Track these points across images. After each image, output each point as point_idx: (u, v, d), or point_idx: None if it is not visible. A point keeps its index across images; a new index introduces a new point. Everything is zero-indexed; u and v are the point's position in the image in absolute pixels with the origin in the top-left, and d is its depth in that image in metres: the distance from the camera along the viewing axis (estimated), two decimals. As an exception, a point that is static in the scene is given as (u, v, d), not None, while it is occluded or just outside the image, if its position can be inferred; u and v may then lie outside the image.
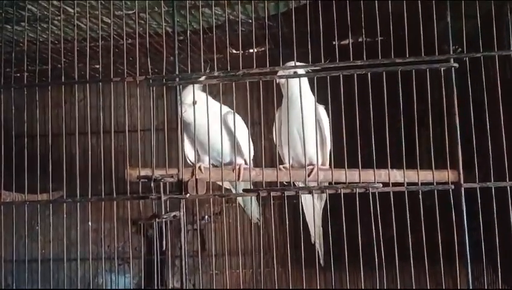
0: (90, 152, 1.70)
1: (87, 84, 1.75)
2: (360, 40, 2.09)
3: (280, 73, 1.74)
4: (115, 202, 1.65)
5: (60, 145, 1.74)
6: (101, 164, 1.72)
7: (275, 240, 1.66)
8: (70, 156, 1.78)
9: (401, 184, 1.64)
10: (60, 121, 1.76)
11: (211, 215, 2.95)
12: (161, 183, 1.58)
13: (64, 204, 1.69)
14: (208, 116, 1.71)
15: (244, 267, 2.79)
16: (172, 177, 1.61)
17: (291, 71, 1.74)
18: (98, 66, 2.08)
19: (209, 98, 1.89)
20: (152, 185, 1.58)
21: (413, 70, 1.60)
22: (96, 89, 1.75)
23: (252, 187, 1.79)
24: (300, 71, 1.75)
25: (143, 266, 2.66)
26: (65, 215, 1.66)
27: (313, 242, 2.18)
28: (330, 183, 1.73)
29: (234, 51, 2.47)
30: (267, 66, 1.66)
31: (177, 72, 1.71)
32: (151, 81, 1.71)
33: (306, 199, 2.13)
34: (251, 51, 2.27)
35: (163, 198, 1.58)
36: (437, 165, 1.66)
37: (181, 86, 1.73)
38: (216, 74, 1.69)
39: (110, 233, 2.01)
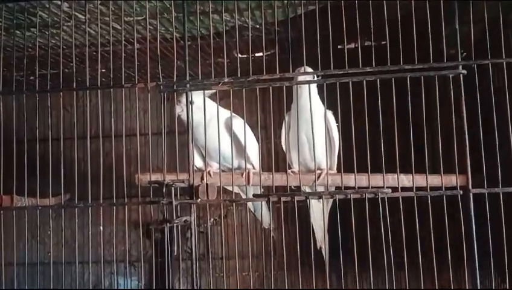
0: (101, 156, 1.72)
1: (99, 90, 1.77)
2: (366, 43, 2.13)
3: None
4: (126, 207, 1.67)
5: (66, 150, 1.76)
6: (111, 168, 1.74)
7: (284, 243, 1.66)
8: (75, 160, 1.79)
9: (409, 189, 1.65)
10: (67, 125, 1.79)
11: (217, 218, 2.98)
12: (172, 188, 1.59)
13: (76, 209, 1.70)
14: (218, 121, 1.73)
15: (250, 270, 2.80)
16: (183, 182, 1.62)
17: (302, 77, 1.75)
18: (104, 70, 2.11)
19: (212, 102, 1.92)
20: (164, 190, 1.59)
21: (422, 77, 1.61)
22: (104, 93, 1.77)
23: (261, 192, 1.81)
24: (309, 77, 1.77)
25: (152, 268, 2.69)
26: (77, 220, 1.68)
27: (318, 247, 2.19)
28: (339, 188, 1.74)
29: (240, 55, 2.49)
30: (277, 72, 1.68)
31: (187, 78, 1.73)
32: (161, 87, 1.72)
33: (312, 204, 2.14)
34: (257, 54, 2.29)
35: (174, 203, 1.60)
36: (443, 169, 1.67)
37: (191, 92, 1.75)
38: (226, 80, 1.70)
39: (116, 236, 2.03)
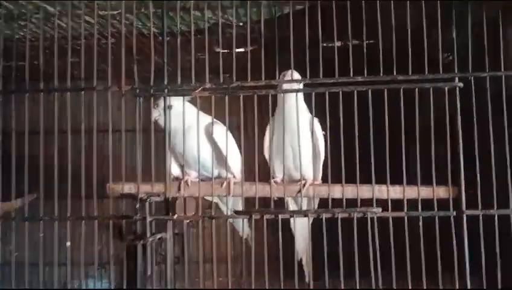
0: (69, 159, 1.60)
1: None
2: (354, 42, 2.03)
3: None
4: (95, 222, 1.55)
5: (36, 148, 1.63)
6: (79, 170, 1.61)
7: (266, 251, 1.56)
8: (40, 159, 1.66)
9: (400, 207, 1.56)
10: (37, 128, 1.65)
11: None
12: (147, 203, 1.47)
13: (41, 221, 1.57)
14: (198, 128, 1.61)
15: (226, 275, 2.70)
16: (158, 196, 1.50)
17: (288, 86, 1.65)
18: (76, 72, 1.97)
19: (191, 106, 1.79)
20: (137, 206, 1.46)
21: (417, 89, 1.52)
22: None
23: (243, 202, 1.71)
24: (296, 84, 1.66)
25: (123, 272, 2.57)
26: (41, 234, 1.55)
27: (299, 259, 2.09)
28: (324, 201, 1.65)
29: (222, 50, 2.36)
30: (262, 79, 1.56)
31: (165, 83, 1.59)
32: (137, 91, 1.59)
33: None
34: (239, 50, 2.16)
35: (148, 219, 1.47)
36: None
37: (170, 98, 1.62)
38: (208, 85, 1.58)
39: (87, 237, 1.90)
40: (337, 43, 1.86)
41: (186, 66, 1.97)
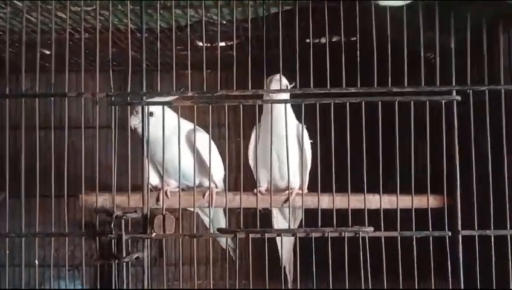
0: (37, 165, 1.48)
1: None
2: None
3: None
4: (66, 239, 1.44)
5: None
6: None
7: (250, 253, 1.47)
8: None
9: (393, 225, 1.48)
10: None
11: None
12: (122, 220, 1.36)
13: (7, 239, 1.45)
14: (179, 136, 1.51)
15: (205, 278, 2.62)
16: (135, 212, 1.39)
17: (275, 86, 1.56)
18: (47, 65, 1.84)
19: (172, 112, 1.68)
20: (112, 225, 1.35)
21: (412, 102, 1.44)
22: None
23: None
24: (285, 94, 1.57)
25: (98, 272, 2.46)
26: (7, 252, 1.44)
27: (282, 265, 2.01)
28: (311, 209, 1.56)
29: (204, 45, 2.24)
30: (249, 88, 1.46)
31: (144, 90, 1.48)
32: (113, 98, 1.46)
33: (278, 222, 1.96)
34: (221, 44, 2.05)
35: (124, 237, 1.36)
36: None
37: (148, 106, 1.50)
38: (190, 94, 1.46)
39: (58, 237, 1.80)
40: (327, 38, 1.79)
41: (166, 61, 1.86)
